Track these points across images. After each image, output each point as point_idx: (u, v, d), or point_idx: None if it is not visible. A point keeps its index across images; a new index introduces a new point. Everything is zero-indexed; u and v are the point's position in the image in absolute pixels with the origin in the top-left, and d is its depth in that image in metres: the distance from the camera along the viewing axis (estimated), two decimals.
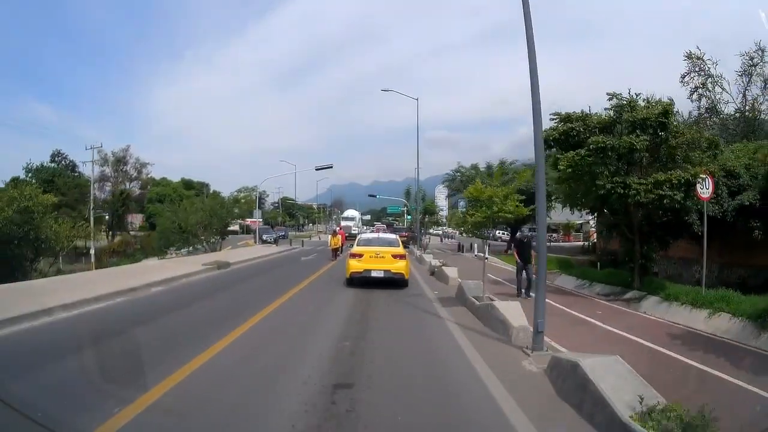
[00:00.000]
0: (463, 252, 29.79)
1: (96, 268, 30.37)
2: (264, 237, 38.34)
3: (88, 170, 50.51)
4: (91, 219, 40.97)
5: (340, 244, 21.79)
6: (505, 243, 39.54)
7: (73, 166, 61.55)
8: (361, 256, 11.65)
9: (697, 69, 21.48)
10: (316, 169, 31.55)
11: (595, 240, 36.07)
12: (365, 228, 61.81)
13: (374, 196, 55.77)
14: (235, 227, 60.32)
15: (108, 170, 62.97)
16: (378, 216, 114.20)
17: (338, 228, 31.05)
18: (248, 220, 74.36)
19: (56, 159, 61.23)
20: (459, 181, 31.38)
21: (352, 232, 42.57)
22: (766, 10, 18.61)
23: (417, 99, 22.78)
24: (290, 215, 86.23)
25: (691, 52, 21.21)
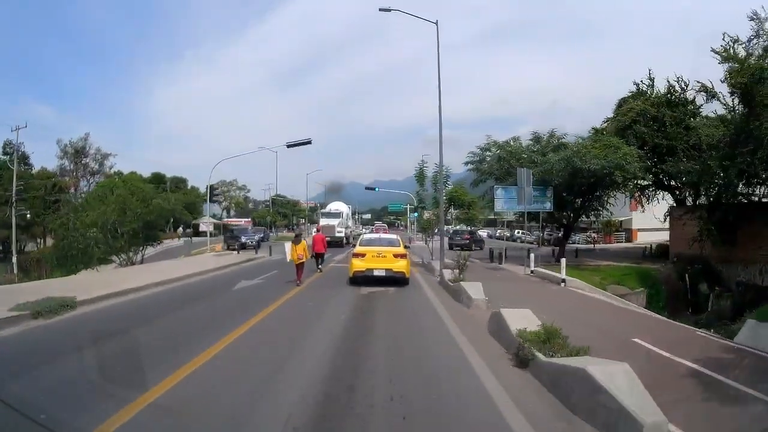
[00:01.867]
0: (501, 263, 19.96)
1: (19, 281, 22.23)
2: (243, 239, 30.51)
3: (43, 161, 42.73)
4: (13, 218, 32.49)
5: (306, 256, 12.55)
6: (529, 245, 30.53)
7: (25, 158, 54.99)
8: (363, 255, 12.06)
9: (763, 32, 17.07)
10: (288, 146, 22.79)
11: (668, 242, 27.44)
12: (363, 228, 53.34)
13: (373, 189, 47.41)
14: (210, 228, 51.83)
15: (67, 163, 55.46)
16: (379, 215, 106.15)
17: (315, 228, 21.90)
18: (225, 220, 65.63)
19: (8, 150, 54.17)
20: (498, 160, 20.94)
21: (337, 234, 30.97)
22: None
23: (436, 22, 14.21)
24: (282, 215, 77.65)
25: (755, 12, 16.41)
